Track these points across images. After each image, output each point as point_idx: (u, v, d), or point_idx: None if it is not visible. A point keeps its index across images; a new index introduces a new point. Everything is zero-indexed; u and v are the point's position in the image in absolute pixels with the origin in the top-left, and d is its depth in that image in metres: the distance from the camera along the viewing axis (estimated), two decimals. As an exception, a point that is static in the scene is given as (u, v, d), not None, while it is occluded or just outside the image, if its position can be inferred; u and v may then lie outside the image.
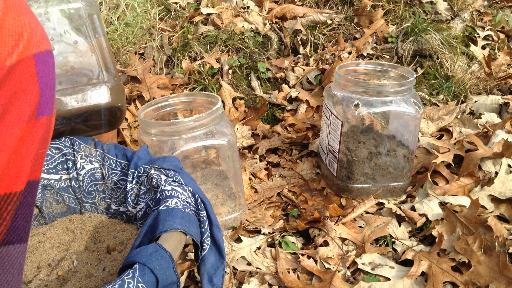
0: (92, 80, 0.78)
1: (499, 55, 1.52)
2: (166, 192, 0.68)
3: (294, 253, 0.87)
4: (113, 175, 0.81)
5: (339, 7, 1.63)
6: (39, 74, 0.38)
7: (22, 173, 0.39)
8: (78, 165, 0.80)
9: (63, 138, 0.81)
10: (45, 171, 0.79)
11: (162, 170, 0.74)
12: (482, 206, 0.91)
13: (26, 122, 0.38)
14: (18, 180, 0.39)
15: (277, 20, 1.60)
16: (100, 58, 0.79)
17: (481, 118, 1.26)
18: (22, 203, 0.40)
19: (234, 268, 0.83)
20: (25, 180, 0.39)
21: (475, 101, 1.36)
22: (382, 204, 1.00)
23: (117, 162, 0.80)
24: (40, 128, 0.40)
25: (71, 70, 0.77)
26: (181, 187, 0.69)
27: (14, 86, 0.36)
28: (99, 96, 0.78)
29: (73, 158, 0.80)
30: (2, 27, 0.34)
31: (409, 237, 0.90)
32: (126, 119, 1.34)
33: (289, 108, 1.42)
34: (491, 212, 0.90)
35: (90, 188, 0.83)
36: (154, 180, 0.72)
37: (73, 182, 0.82)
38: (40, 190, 0.80)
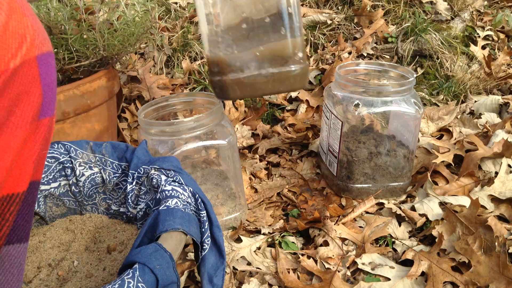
0: None
1: (499, 55, 1.52)
2: (166, 192, 0.68)
3: (294, 253, 0.87)
4: (113, 177, 0.81)
5: (339, 7, 1.63)
6: (41, 76, 0.38)
7: (25, 174, 0.39)
8: (77, 172, 0.80)
9: (56, 145, 0.80)
10: (45, 182, 0.79)
11: (162, 170, 0.74)
12: (482, 206, 0.91)
13: (30, 123, 0.38)
14: (21, 181, 0.39)
15: (277, 20, 1.60)
16: None
17: (481, 118, 1.27)
18: (23, 203, 0.40)
19: (234, 268, 0.83)
20: (28, 181, 0.40)
21: (475, 101, 1.36)
22: (382, 204, 1.00)
23: (118, 165, 0.80)
24: (43, 130, 0.40)
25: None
26: (181, 187, 0.69)
27: (18, 88, 0.36)
28: None
29: (71, 165, 0.80)
30: (6, 29, 0.34)
31: (409, 237, 0.90)
32: (126, 119, 1.34)
33: (289, 108, 1.42)
34: (491, 212, 0.90)
35: (90, 192, 0.83)
36: (154, 180, 0.72)
37: (72, 187, 0.81)
38: (42, 201, 0.80)
